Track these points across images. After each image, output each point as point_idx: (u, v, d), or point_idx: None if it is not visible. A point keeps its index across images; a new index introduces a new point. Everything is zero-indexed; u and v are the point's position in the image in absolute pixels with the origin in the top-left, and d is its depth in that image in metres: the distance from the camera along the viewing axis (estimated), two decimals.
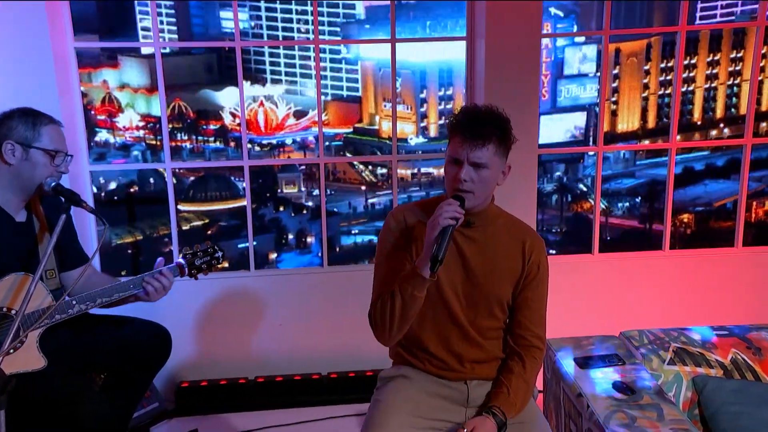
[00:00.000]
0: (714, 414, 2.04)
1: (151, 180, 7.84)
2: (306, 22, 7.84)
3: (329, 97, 8.42)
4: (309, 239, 8.37)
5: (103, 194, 7.32)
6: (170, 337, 2.25)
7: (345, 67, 8.39)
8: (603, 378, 2.00)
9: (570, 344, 2.27)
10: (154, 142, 7.69)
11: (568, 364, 2.11)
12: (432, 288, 1.75)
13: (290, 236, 8.39)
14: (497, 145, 1.71)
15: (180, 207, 7.76)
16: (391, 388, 1.86)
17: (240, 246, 6.37)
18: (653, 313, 3.37)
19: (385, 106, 8.18)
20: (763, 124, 8.91)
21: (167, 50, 7.68)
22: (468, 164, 1.69)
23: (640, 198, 9.00)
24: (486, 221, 1.79)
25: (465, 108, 1.78)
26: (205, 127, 8.18)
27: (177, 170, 6.92)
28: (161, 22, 7.99)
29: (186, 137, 8.18)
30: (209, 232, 8.10)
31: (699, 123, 9.29)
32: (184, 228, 7.79)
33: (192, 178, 8.36)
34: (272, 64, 8.49)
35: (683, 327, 2.37)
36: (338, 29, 8.35)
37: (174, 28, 7.67)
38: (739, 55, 9.15)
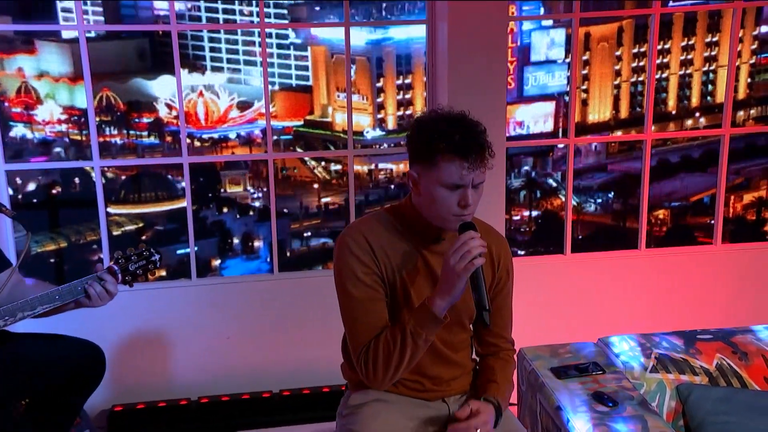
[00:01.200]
0: (700, 425, 2.07)
1: (77, 180, 7.68)
2: (249, 3, 7.75)
3: (277, 87, 8.34)
4: (256, 243, 8.30)
5: (20, 196, 7.14)
6: (104, 355, 2.20)
7: (294, 53, 8.34)
8: (582, 389, 2.02)
9: (546, 353, 2.28)
10: (79, 138, 7.54)
11: (544, 375, 2.12)
12: (402, 314, 1.75)
13: (235, 240, 8.31)
14: (488, 159, 1.69)
15: (110, 210, 7.62)
16: (367, 416, 1.83)
17: (179, 252, 6.28)
18: (631, 317, 3.43)
19: (338, 96, 8.15)
20: (740, 113, 9.20)
21: (92, 34, 7.50)
22: (471, 188, 1.67)
23: (613, 193, 9.18)
24: (452, 233, 1.78)
25: (450, 120, 1.70)
26: (137, 120, 8.04)
27: (106, 169, 6.78)
28: (85, 3, 7.82)
29: (116, 132, 8.04)
30: (144, 237, 7.98)
31: (674, 113, 9.53)
32: (115, 233, 7.66)
33: (123, 178, 8.22)
34: (212, 50, 8.37)
35: (664, 332, 2.41)
36: (285, 11, 8.30)
37: (99, 9, 7.50)
38: (714, 39, 9.41)
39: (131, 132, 8.06)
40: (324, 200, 8.71)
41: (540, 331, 3.23)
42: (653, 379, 2.17)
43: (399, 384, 1.84)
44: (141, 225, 8.03)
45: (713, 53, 9.49)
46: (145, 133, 8.05)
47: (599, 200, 9.18)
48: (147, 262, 2.15)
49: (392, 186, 8.31)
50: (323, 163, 8.61)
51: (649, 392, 2.15)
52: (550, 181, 9.08)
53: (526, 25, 8.55)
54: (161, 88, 7.74)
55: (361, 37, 7.65)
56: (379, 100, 8.38)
